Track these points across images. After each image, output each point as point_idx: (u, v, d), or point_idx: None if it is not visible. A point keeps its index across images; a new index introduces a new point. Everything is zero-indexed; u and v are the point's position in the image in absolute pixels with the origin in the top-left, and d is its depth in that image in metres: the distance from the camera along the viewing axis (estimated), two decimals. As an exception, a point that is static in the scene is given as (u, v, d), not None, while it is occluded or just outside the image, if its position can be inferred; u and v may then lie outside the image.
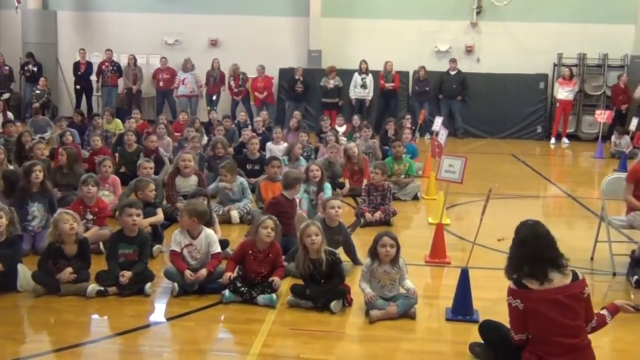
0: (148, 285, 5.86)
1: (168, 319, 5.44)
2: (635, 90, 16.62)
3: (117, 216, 6.27)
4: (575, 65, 17.68)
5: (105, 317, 5.52)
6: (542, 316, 4.19)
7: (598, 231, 7.01)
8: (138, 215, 6.10)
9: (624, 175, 7.29)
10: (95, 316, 5.53)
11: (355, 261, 6.67)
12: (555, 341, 4.18)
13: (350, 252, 6.73)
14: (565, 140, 17.15)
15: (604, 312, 4.46)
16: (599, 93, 17.89)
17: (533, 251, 4.28)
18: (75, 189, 8.13)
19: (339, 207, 6.73)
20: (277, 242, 5.99)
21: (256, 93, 17.01)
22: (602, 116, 15.60)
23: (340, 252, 6.46)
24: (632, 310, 4.59)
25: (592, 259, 7.11)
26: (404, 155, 10.56)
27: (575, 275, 4.26)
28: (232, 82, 17.10)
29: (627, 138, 14.88)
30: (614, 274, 6.60)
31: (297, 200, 8.16)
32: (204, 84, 17.35)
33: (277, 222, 6.01)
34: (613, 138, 15.28)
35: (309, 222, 5.91)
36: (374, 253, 5.57)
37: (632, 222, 6.79)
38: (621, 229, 7.15)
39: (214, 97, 17.31)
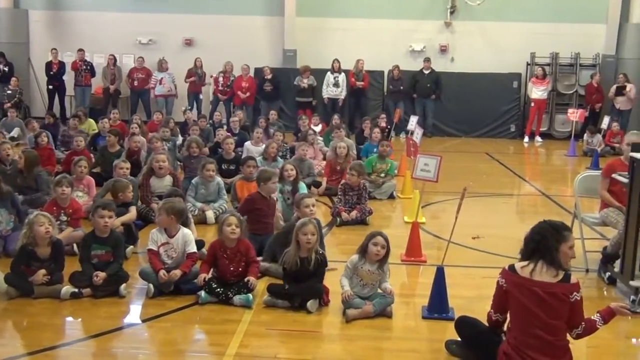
0: (123, 286, 5.81)
1: (143, 321, 5.40)
2: (609, 89, 16.84)
3: (90, 217, 6.21)
4: (548, 65, 17.85)
5: (80, 319, 5.45)
6: (518, 302, 4.26)
7: (571, 228, 7.07)
8: (110, 217, 6.04)
9: (596, 173, 7.38)
10: (69, 318, 5.47)
11: None
12: (532, 334, 4.22)
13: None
14: (538, 138, 17.31)
15: (596, 317, 4.42)
16: (571, 92, 18.08)
17: (538, 242, 4.33)
18: (37, 191, 8.14)
19: (313, 206, 6.73)
20: (244, 238, 5.96)
21: (239, 92, 16.90)
22: (575, 115, 15.79)
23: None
24: (628, 313, 4.60)
25: (572, 257, 7.17)
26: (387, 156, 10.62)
27: (566, 278, 4.26)
28: (220, 80, 16.99)
29: (599, 136, 15.08)
30: (587, 271, 6.68)
31: (275, 199, 8.17)
32: (186, 81, 17.19)
33: (241, 218, 5.99)
34: (585, 136, 15.47)
35: (307, 220, 5.87)
36: (364, 250, 5.55)
37: (605, 219, 6.87)
38: (594, 226, 7.25)
39: (201, 96, 17.20)
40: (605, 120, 15.59)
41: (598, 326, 4.40)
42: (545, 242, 4.32)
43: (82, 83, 17.25)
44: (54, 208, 7.00)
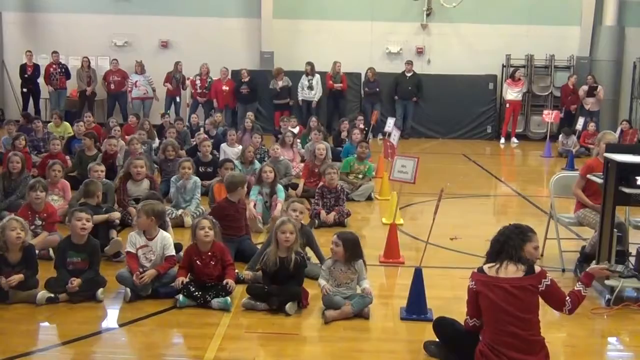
0: (100, 291, 5.75)
1: (121, 325, 5.35)
2: (581, 90, 17.05)
3: (67, 221, 6.14)
4: (523, 66, 18.04)
5: (56, 324, 5.39)
6: (488, 300, 4.31)
7: (547, 228, 7.14)
8: (87, 220, 5.96)
9: (571, 173, 7.46)
10: (45, 323, 5.40)
11: (322, 260, 6.66)
12: (506, 331, 4.25)
13: (316, 252, 6.67)
14: (514, 140, 17.47)
15: (578, 286, 4.57)
16: (546, 93, 18.29)
17: (502, 243, 4.43)
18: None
19: (301, 212, 6.76)
20: (218, 240, 5.95)
21: (218, 96, 16.87)
22: (550, 116, 15.98)
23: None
24: (606, 273, 4.92)
25: (541, 255, 7.25)
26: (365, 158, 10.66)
27: (530, 270, 4.34)
28: (198, 82, 16.91)
29: (574, 138, 15.26)
30: (563, 270, 6.74)
31: (252, 203, 8.15)
32: (165, 85, 17.11)
33: (214, 220, 5.98)
34: (560, 138, 15.65)
35: (286, 219, 5.90)
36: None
37: (582, 220, 6.93)
38: (569, 226, 7.33)
39: (178, 99, 17.12)
40: (580, 121, 15.80)
41: (584, 293, 4.55)
42: (510, 242, 4.42)
43: (57, 86, 17.09)
44: (29, 212, 6.92)
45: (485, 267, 4.43)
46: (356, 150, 10.81)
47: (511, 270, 4.33)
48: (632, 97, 18.41)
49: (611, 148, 6.17)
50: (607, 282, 5.86)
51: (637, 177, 5.68)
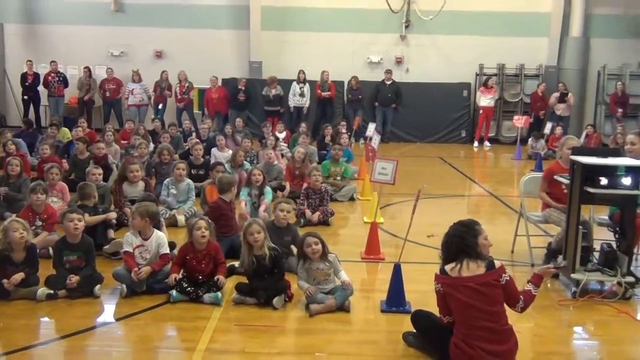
0: (97, 287, 5.73)
1: (117, 319, 5.32)
2: (550, 97, 17.16)
3: (60, 222, 6.10)
4: (495, 75, 18.14)
5: (55, 319, 5.35)
6: (457, 300, 4.31)
7: (517, 226, 7.18)
8: (79, 220, 5.92)
9: (540, 174, 7.50)
10: (45, 319, 5.37)
11: None
12: (477, 326, 4.27)
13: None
14: (487, 143, 17.56)
15: (529, 286, 4.60)
16: (516, 100, 18.40)
17: (458, 244, 4.43)
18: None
19: (288, 212, 6.80)
20: (213, 240, 5.95)
21: (209, 104, 16.86)
22: (520, 121, 16.05)
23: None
24: (554, 271, 5.00)
25: (512, 251, 7.31)
26: (340, 159, 10.65)
27: (490, 266, 4.35)
28: (177, 89, 16.88)
29: (542, 141, 15.35)
30: (532, 265, 6.77)
31: (243, 203, 8.14)
32: (152, 93, 17.08)
33: (209, 221, 5.98)
34: (530, 141, 15.72)
35: (251, 220, 5.90)
36: (302, 255, 5.61)
37: (547, 218, 6.99)
38: (538, 223, 7.37)
39: (160, 106, 17.06)
40: (548, 126, 15.92)
41: (534, 293, 4.59)
42: (464, 241, 4.42)
43: (55, 94, 16.99)
44: (30, 214, 6.90)
45: (447, 269, 4.41)
46: (331, 153, 10.77)
47: (473, 268, 4.33)
48: (597, 103, 18.57)
49: (577, 151, 6.22)
50: (572, 275, 5.91)
51: (600, 178, 5.72)
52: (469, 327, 4.29)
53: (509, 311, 4.41)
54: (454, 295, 4.32)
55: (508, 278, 4.36)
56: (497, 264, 4.39)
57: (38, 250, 6.15)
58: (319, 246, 5.54)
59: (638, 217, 6.19)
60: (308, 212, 8.41)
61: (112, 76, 17.16)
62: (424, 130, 18.09)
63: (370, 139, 10.99)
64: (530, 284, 4.63)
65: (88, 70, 17.18)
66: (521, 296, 4.49)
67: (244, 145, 11.40)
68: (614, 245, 6.17)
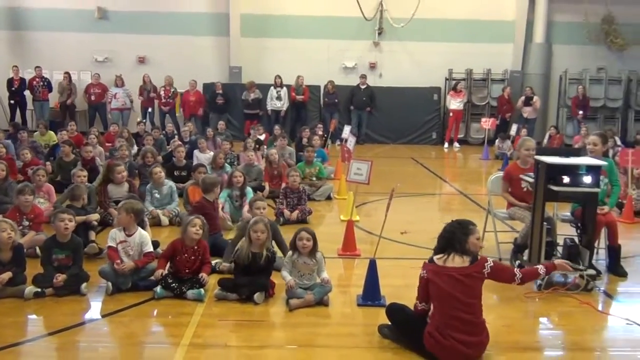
0: (83, 285, 5.66)
1: (103, 316, 5.27)
2: (516, 101, 17.32)
3: (51, 222, 6.02)
4: (464, 80, 18.25)
5: (43, 316, 5.28)
6: (439, 287, 4.36)
7: (485, 223, 7.23)
8: (70, 220, 5.87)
9: (504, 174, 7.55)
10: (33, 316, 5.29)
11: (286, 252, 6.63)
12: (453, 315, 4.32)
13: (281, 244, 6.64)
14: (456, 144, 17.67)
15: (539, 267, 4.81)
16: (484, 103, 18.55)
17: (448, 238, 4.50)
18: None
19: (263, 208, 6.79)
20: (204, 239, 5.92)
21: (185, 106, 16.75)
22: (487, 123, 16.19)
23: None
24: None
25: (480, 247, 7.34)
26: (314, 160, 10.65)
27: (474, 260, 4.41)
28: (162, 93, 16.75)
29: (508, 142, 15.48)
30: (500, 259, 6.82)
31: (221, 205, 8.10)
32: (139, 97, 16.91)
33: (204, 221, 5.97)
34: (497, 142, 15.86)
35: (258, 218, 5.87)
36: (293, 246, 5.61)
37: (513, 215, 7.05)
38: (504, 220, 7.43)
39: (149, 110, 16.91)
40: (514, 127, 16.06)
41: (540, 272, 4.80)
42: (454, 236, 4.49)
43: (39, 98, 16.75)
44: (17, 214, 6.80)
45: (435, 258, 4.50)
46: (304, 155, 10.77)
47: (457, 261, 4.40)
48: (559, 106, 18.80)
49: (540, 151, 6.28)
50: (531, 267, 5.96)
51: (563, 177, 5.79)
52: (445, 315, 4.34)
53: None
54: (437, 282, 4.37)
55: (492, 264, 4.45)
56: (479, 257, 4.46)
57: (25, 250, 6.06)
58: (310, 242, 5.55)
59: (598, 213, 6.29)
60: (286, 212, 8.40)
61: (97, 81, 16.99)
62: (397, 132, 18.17)
63: (346, 140, 11.00)
64: (542, 266, 4.84)
65: (68, 76, 16.95)
66: (520, 272, 4.62)
67: (224, 148, 11.33)
68: (576, 240, 6.26)
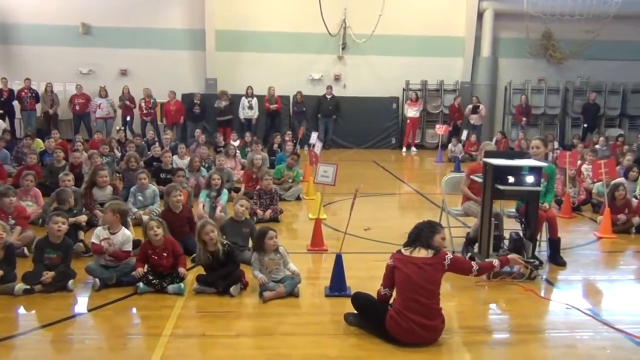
0: (70, 282, 5.56)
1: (89, 310, 5.17)
2: (465, 109, 17.54)
3: (45, 224, 5.91)
4: (420, 90, 18.41)
5: (32, 311, 5.16)
6: (403, 273, 4.44)
7: (440, 219, 7.28)
8: (63, 223, 5.77)
9: (458, 175, 7.65)
10: (23, 311, 5.17)
11: None
12: (413, 299, 4.38)
13: None
14: (413, 148, 17.80)
15: (495, 260, 4.93)
16: (437, 111, 18.72)
17: (417, 234, 4.61)
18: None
19: (246, 208, 6.79)
20: (167, 235, 5.82)
21: (167, 115, 16.58)
22: (441, 129, 16.36)
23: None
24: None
25: (444, 246, 7.38)
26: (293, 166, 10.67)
27: (436, 253, 4.51)
28: (143, 104, 16.54)
29: (460, 146, 15.68)
30: (453, 252, 6.87)
31: (201, 204, 8.02)
32: (118, 107, 16.69)
33: (160, 220, 5.91)
34: (450, 146, 16.04)
35: (204, 221, 5.80)
36: (260, 246, 5.59)
37: (467, 210, 7.14)
38: (457, 216, 7.52)
39: (128, 118, 16.68)
40: (464, 133, 16.26)
41: (494, 265, 4.92)
42: (422, 232, 4.61)
43: (27, 108, 16.36)
44: (2, 215, 6.66)
45: (403, 249, 4.60)
46: (287, 160, 10.80)
47: (422, 253, 4.50)
48: (504, 114, 19.10)
49: (488, 154, 6.38)
50: (487, 260, 6.04)
51: (509, 177, 5.88)
52: (407, 299, 4.39)
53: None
54: (401, 269, 4.46)
55: (452, 257, 4.55)
56: (441, 251, 4.57)
57: (17, 248, 5.95)
58: (277, 239, 5.56)
59: (540, 209, 6.41)
60: (259, 212, 8.37)
61: (81, 92, 16.70)
62: (360, 138, 18.23)
63: (314, 146, 11.00)
64: (497, 259, 4.94)
65: (51, 86, 16.60)
66: (477, 265, 4.73)
67: (202, 153, 11.23)
68: (521, 233, 6.36)
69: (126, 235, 5.92)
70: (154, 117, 16.69)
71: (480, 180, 6.43)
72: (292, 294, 5.47)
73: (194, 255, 5.82)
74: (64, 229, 5.79)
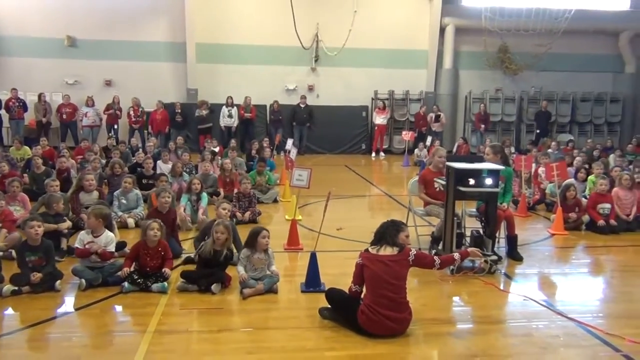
0: (58, 282, 5.44)
1: (76, 309, 5.07)
2: (429, 116, 17.71)
3: (22, 228, 5.75)
4: (387, 99, 18.54)
5: (20, 312, 5.03)
6: (371, 270, 4.45)
7: (407, 219, 7.34)
8: (39, 226, 5.61)
9: (423, 178, 7.67)
10: (10, 312, 5.04)
11: (240, 249, 6.53)
12: (381, 294, 4.39)
13: (237, 243, 6.52)
14: (382, 153, 17.91)
15: (455, 254, 4.94)
16: (404, 119, 18.87)
17: (382, 233, 4.61)
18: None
19: (228, 210, 6.76)
20: (163, 239, 5.78)
21: (153, 123, 16.42)
22: (407, 136, 16.50)
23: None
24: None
25: (408, 243, 7.42)
26: (264, 170, 10.62)
27: (401, 250, 4.53)
28: (131, 112, 16.31)
29: (425, 151, 15.80)
30: (419, 249, 6.94)
31: (182, 207, 7.95)
32: (105, 114, 16.44)
33: (161, 223, 5.83)
34: (416, 151, 16.16)
35: (220, 220, 5.80)
36: (252, 244, 5.54)
37: (430, 212, 7.18)
38: (423, 216, 7.57)
39: (116, 127, 16.44)
40: (429, 139, 16.40)
41: (455, 258, 4.94)
42: (387, 231, 4.62)
43: (15, 117, 16.01)
44: (-12, 219, 6.51)
45: (370, 248, 4.60)
46: (256, 167, 10.71)
47: (388, 251, 4.50)
48: (465, 121, 19.34)
49: (451, 159, 6.43)
50: (448, 254, 6.09)
51: (469, 179, 5.95)
52: (376, 295, 4.40)
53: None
54: (369, 266, 4.46)
55: (415, 253, 4.58)
56: (406, 248, 4.58)
57: (2, 253, 5.78)
58: (269, 239, 5.55)
59: (498, 209, 6.49)
60: (239, 214, 8.31)
61: (68, 101, 16.41)
62: (332, 144, 18.26)
63: (289, 151, 10.99)
64: (457, 253, 4.96)
65: (44, 97, 16.30)
66: (439, 259, 4.75)
67: (183, 159, 11.13)
68: (481, 231, 6.44)
69: (109, 237, 5.82)
70: (141, 125, 16.50)
71: (442, 182, 6.49)
72: (271, 290, 5.45)
73: (202, 244, 5.71)
74: (41, 231, 5.62)
